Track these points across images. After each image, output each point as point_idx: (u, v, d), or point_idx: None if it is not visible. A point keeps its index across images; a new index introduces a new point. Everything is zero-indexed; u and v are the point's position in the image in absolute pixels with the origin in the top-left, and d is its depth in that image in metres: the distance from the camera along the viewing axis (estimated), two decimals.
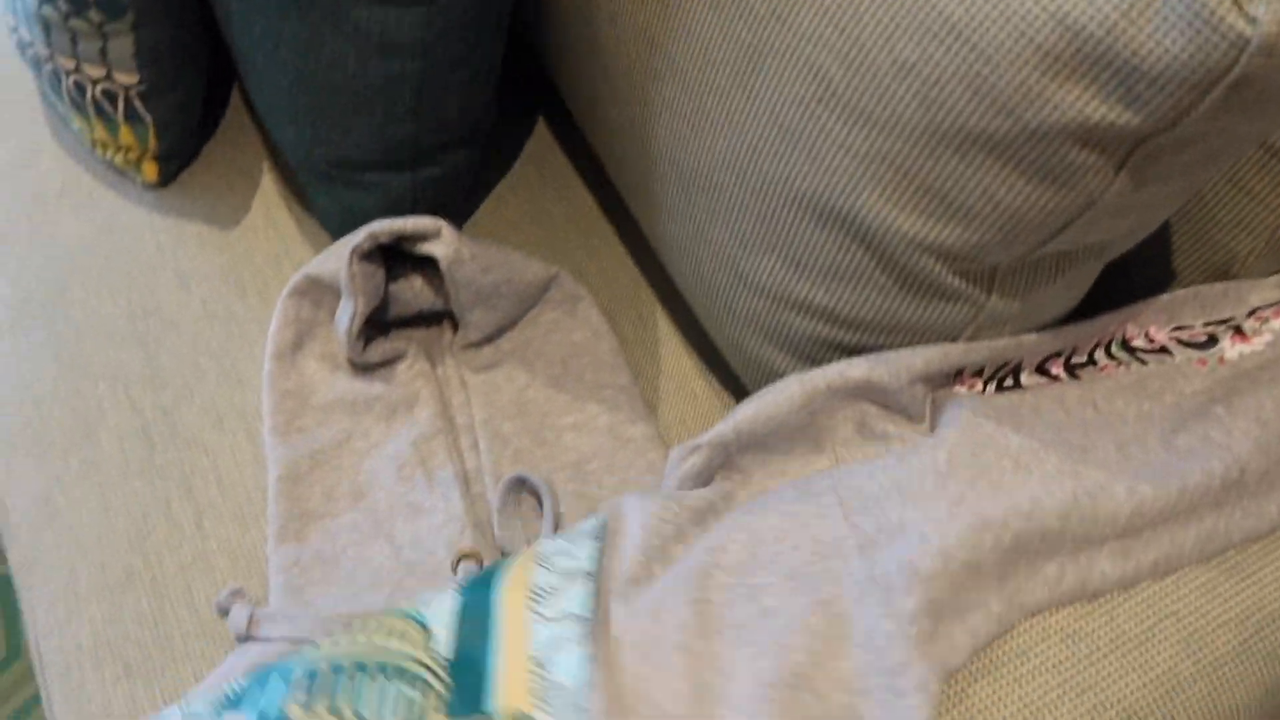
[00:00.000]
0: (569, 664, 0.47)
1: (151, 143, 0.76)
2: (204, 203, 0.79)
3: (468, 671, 0.47)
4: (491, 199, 0.82)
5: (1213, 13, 0.39)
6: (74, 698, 0.61)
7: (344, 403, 0.67)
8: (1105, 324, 0.62)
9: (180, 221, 0.78)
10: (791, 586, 0.50)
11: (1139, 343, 0.63)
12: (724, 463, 0.56)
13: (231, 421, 0.69)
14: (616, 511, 0.54)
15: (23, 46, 0.75)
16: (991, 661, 0.51)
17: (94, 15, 0.68)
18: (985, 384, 0.61)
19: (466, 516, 0.61)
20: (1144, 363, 0.62)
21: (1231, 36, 0.39)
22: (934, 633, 0.48)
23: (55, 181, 0.80)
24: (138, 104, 0.74)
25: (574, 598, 0.50)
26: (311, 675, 0.47)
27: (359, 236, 0.64)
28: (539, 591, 0.50)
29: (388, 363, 0.68)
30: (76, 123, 0.77)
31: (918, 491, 0.53)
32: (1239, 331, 0.62)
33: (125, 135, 0.76)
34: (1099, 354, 0.63)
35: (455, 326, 0.70)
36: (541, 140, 0.86)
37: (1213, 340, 0.62)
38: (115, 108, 0.74)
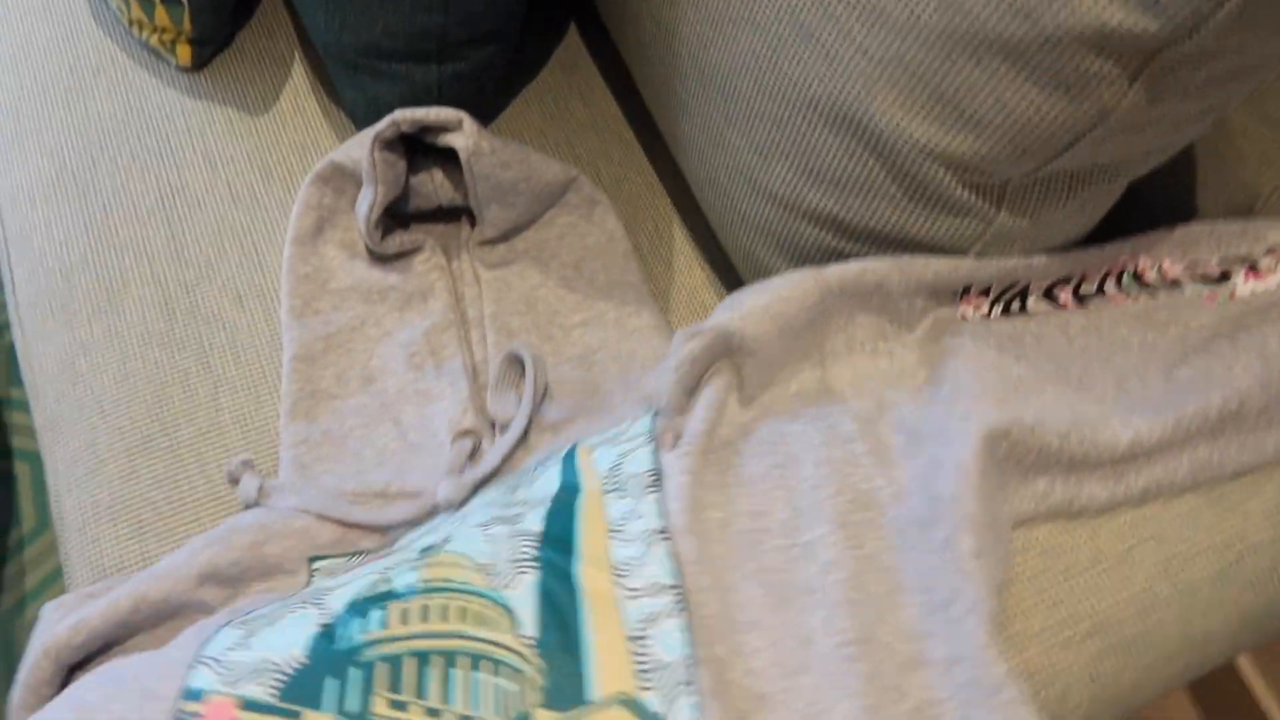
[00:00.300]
0: (667, 639, 0.46)
1: (186, 25, 0.77)
2: (235, 88, 0.80)
3: (562, 659, 0.46)
4: (517, 103, 0.82)
5: None
6: (89, 552, 0.63)
7: (360, 289, 0.68)
8: (1116, 252, 0.61)
9: (211, 105, 0.79)
10: (843, 536, 0.51)
11: (1151, 276, 0.63)
12: (724, 352, 0.56)
13: (250, 301, 0.70)
14: (664, 470, 0.53)
15: None
16: None
17: None
18: (991, 306, 0.61)
19: (470, 402, 0.63)
20: (1154, 296, 0.62)
21: None
22: (978, 550, 0.49)
23: (92, 60, 0.81)
24: None
25: (657, 564, 0.49)
26: (395, 667, 0.45)
27: (382, 124, 0.64)
28: (621, 566, 0.49)
29: (405, 254, 0.70)
30: (114, 2, 0.78)
31: (934, 431, 0.53)
32: (1254, 269, 0.61)
33: (161, 16, 0.77)
34: (1109, 284, 0.62)
35: (473, 224, 0.71)
36: (570, 46, 0.86)
37: (1226, 276, 0.62)
38: None
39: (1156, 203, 0.70)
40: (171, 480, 0.64)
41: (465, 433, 0.61)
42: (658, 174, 0.80)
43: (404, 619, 0.46)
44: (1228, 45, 0.43)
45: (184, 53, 0.79)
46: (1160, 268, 0.62)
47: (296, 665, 0.44)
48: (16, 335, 0.73)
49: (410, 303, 0.68)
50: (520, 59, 0.83)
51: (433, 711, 0.43)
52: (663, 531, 0.50)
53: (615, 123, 0.82)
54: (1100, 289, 0.62)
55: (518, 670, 0.45)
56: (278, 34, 0.83)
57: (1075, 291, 0.61)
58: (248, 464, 0.62)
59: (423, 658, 0.45)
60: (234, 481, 0.62)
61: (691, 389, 0.56)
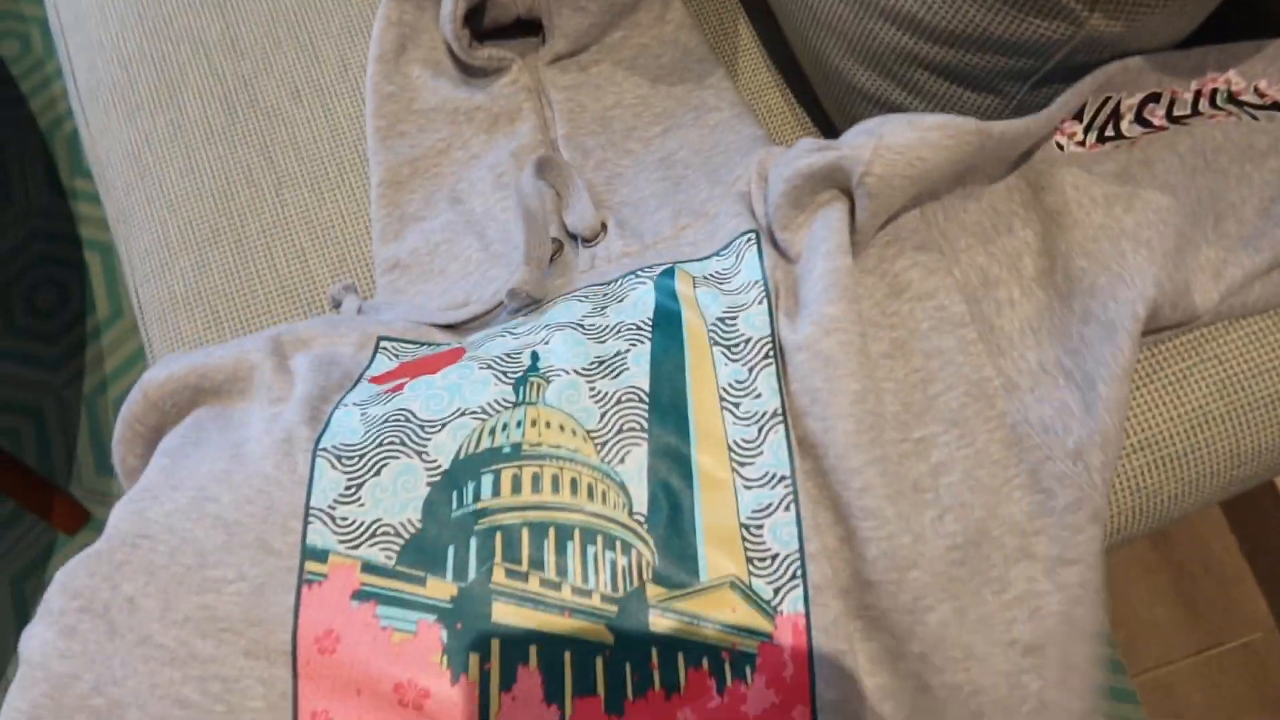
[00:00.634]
0: (779, 531, 0.46)
1: None
2: None
3: (674, 539, 0.46)
4: None
5: None
6: (170, 341, 0.66)
7: (445, 110, 0.67)
8: (1201, 60, 0.58)
9: None
10: (956, 435, 0.50)
11: (1248, 97, 0.59)
12: (842, 182, 0.52)
13: (308, 95, 0.70)
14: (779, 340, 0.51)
15: None
16: None
17: None
18: (1085, 133, 0.58)
19: (555, 216, 0.62)
20: (1254, 118, 0.59)
21: None
22: (1105, 464, 0.48)
23: None
24: None
25: (772, 452, 0.48)
26: (511, 537, 0.45)
27: None
28: (738, 449, 0.48)
29: (490, 74, 0.68)
30: None
31: (1047, 328, 0.52)
32: None
33: None
34: (1203, 104, 0.59)
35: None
36: None
37: None
38: None
39: (1259, 21, 0.65)
40: (242, 273, 0.66)
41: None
42: None
43: (516, 486, 0.47)
44: None
45: None
46: (1257, 88, 0.59)
47: (412, 530, 0.46)
48: (82, 127, 0.74)
49: (497, 124, 0.67)
50: None
51: (549, 582, 0.45)
52: (778, 414, 0.49)
53: None
54: (1195, 109, 0.58)
55: (630, 546, 0.46)
56: None
57: (1169, 112, 0.58)
58: (349, 288, 0.63)
59: (539, 529, 0.46)
60: (336, 305, 0.64)
61: (802, 206, 0.53)
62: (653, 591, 0.45)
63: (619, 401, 0.49)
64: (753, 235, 0.55)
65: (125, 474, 0.56)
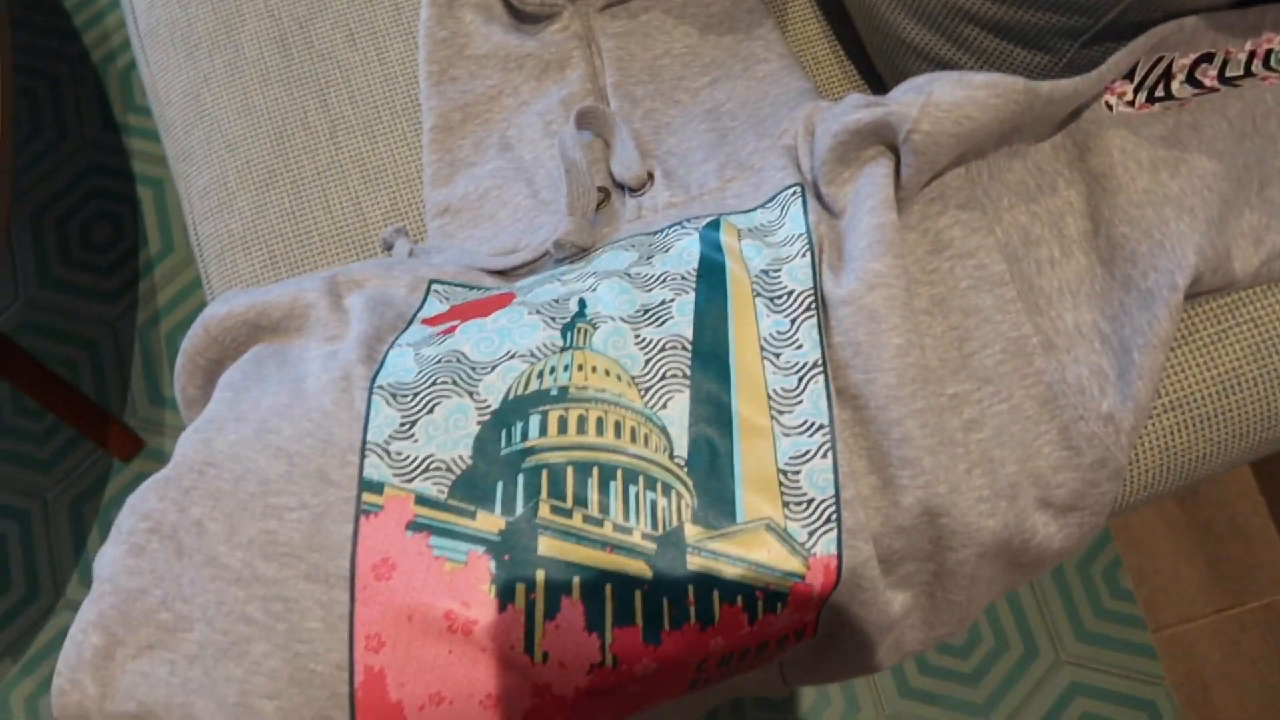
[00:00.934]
0: (816, 477, 0.48)
1: None
2: None
3: (712, 482, 0.48)
4: None
5: None
6: (228, 278, 0.69)
7: (497, 56, 0.68)
8: (1258, 20, 0.57)
9: None
10: (990, 392, 0.51)
11: None
12: (889, 139, 0.53)
13: (362, 39, 0.71)
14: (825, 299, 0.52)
15: None
16: None
17: None
18: (1135, 93, 0.58)
19: (603, 164, 0.63)
20: None
21: None
22: (1135, 429, 0.50)
23: None
24: None
25: (811, 402, 0.49)
26: (557, 475, 0.47)
27: None
28: (777, 399, 0.50)
29: (541, 20, 0.68)
30: None
31: (1086, 290, 0.52)
32: None
33: None
34: (1256, 65, 0.58)
35: None
36: None
37: None
38: None
39: None
40: (297, 215, 0.68)
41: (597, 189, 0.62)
42: None
43: (562, 427, 0.49)
44: None
45: None
46: None
47: (463, 466, 0.48)
48: (142, 65, 0.76)
49: (548, 71, 0.68)
50: None
51: (592, 519, 0.47)
52: (818, 365, 0.50)
53: None
54: (1248, 70, 0.58)
55: (670, 487, 0.48)
56: None
57: (1221, 73, 0.58)
58: (401, 231, 0.65)
59: (583, 468, 0.48)
60: (388, 248, 0.66)
61: (847, 161, 0.54)
62: (691, 531, 0.47)
63: (663, 349, 0.51)
64: (798, 189, 0.56)
65: (186, 404, 0.59)
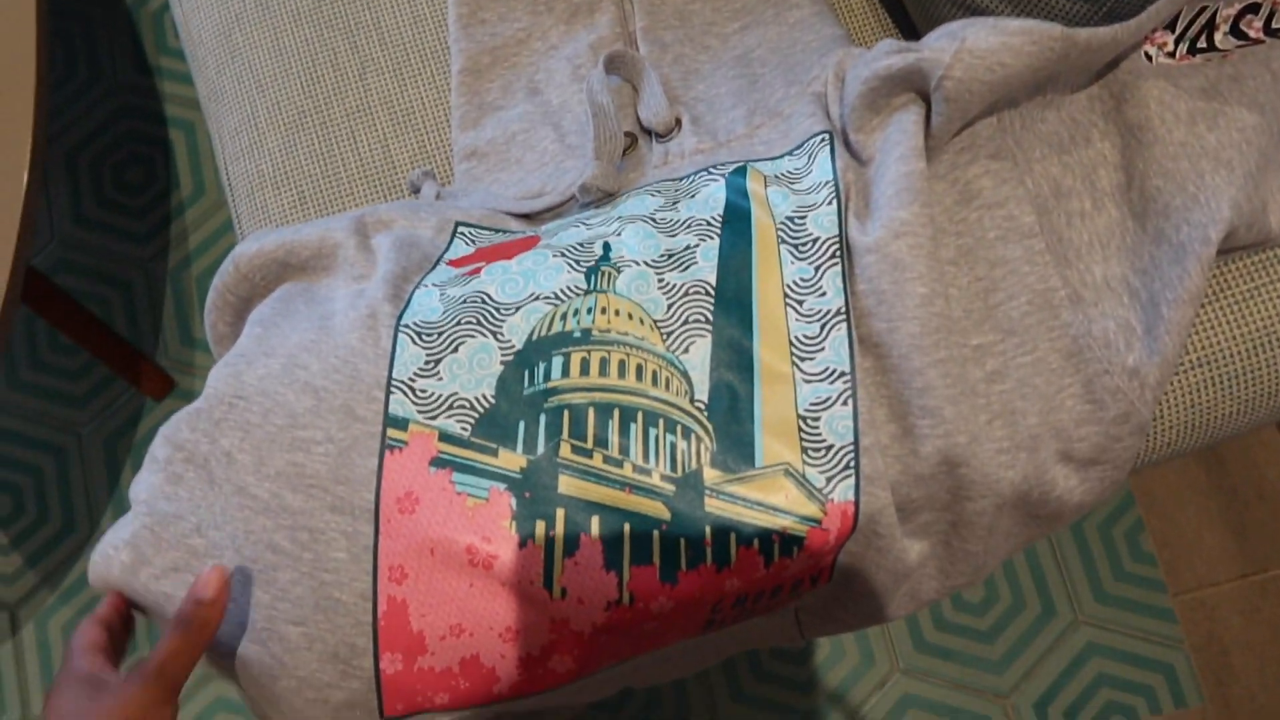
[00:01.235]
0: (836, 424, 0.48)
1: None
2: None
3: (732, 427, 0.48)
4: None
5: None
6: (258, 217, 0.69)
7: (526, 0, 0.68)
8: None
9: None
10: (1014, 343, 0.51)
11: None
12: (920, 85, 0.52)
13: None
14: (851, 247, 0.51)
15: None
16: None
17: None
18: (1176, 43, 0.56)
19: (630, 110, 0.63)
20: None
21: None
22: (1159, 383, 0.49)
23: None
24: None
25: (833, 349, 0.50)
26: (579, 416, 0.48)
27: None
28: (799, 345, 0.50)
29: None
30: None
31: (1117, 244, 0.52)
32: None
33: None
34: None
35: None
36: None
37: None
38: None
39: None
40: (326, 156, 0.68)
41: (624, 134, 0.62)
42: None
43: (584, 369, 0.49)
44: None
45: None
46: None
47: (486, 405, 0.49)
48: (175, 4, 0.76)
49: (576, 15, 0.67)
50: None
51: (612, 460, 0.48)
52: (841, 313, 0.50)
53: None
54: None
55: (690, 431, 0.48)
56: None
57: (1267, 24, 0.56)
58: (428, 174, 0.65)
59: (604, 410, 0.48)
60: (415, 190, 0.66)
61: (877, 109, 0.53)
62: (710, 474, 0.48)
63: (686, 294, 0.51)
64: (826, 136, 0.55)
65: (216, 340, 0.60)
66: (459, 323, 0.51)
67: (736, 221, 0.53)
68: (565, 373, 0.49)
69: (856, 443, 0.48)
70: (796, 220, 0.53)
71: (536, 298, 0.51)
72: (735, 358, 0.50)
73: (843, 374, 0.49)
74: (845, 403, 0.48)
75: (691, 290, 0.51)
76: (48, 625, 1.11)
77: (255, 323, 0.56)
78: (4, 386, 1.17)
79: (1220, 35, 0.56)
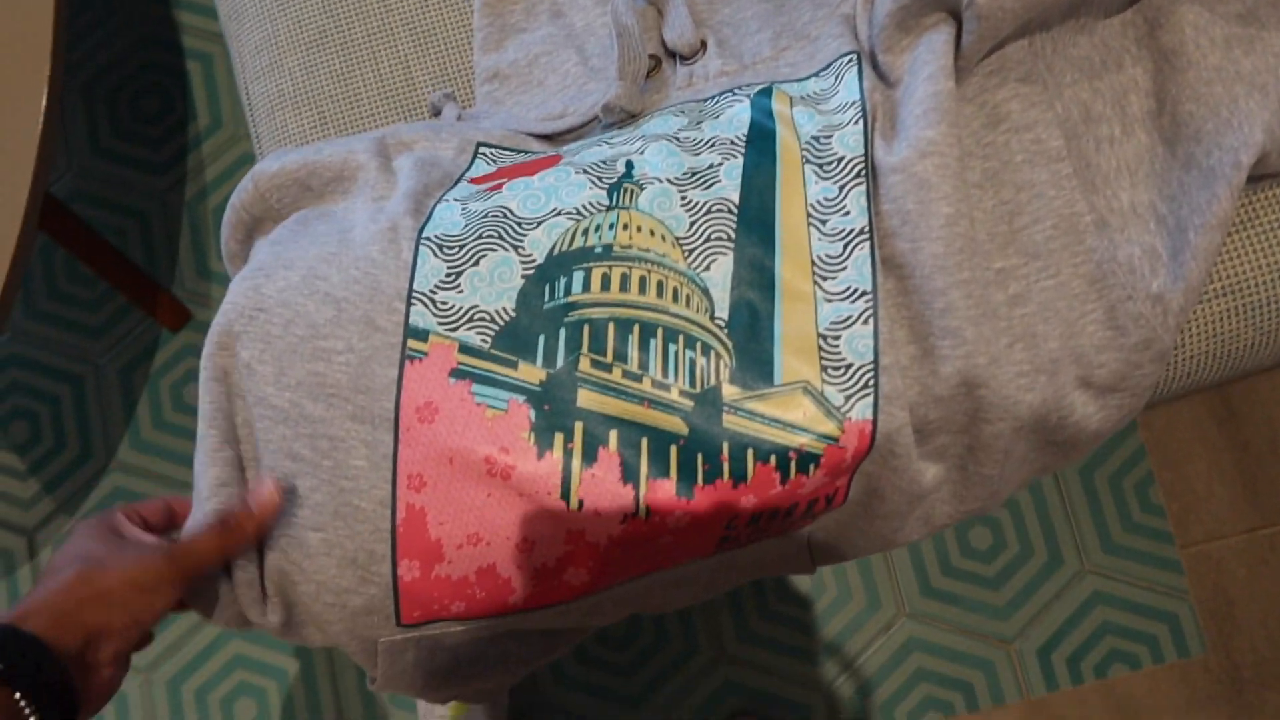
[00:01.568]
0: (856, 343, 0.48)
1: None
2: None
3: (752, 344, 0.48)
4: None
5: None
6: (278, 137, 0.69)
7: None
8: None
9: None
10: (1038, 267, 0.51)
11: None
12: (951, 5, 0.51)
13: None
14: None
15: None
16: None
17: None
18: None
19: (655, 32, 0.62)
20: None
21: None
22: (1182, 309, 0.49)
23: None
24: None
25: (855, 269, 0.49)
26: (599, 331, 0.48)
27: None
28: (821, 264, 0.50)
29: None
30: None
31: (1145, 170, 0.51)
32: None
33: None
34: None
35: None
36: None
37: None
38: None
39: None
40: (346, 76, 0.68)
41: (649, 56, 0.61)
42: None
43: (605, 284, 0.49)
44: None
45: None
46: None
47: (507, 318, 0.49)
48: None
49: None
50: None
51: (631, 374, 0.48)
52: (864, 232, 0.50)
53: None
54: None
55: (710, 348, 0.48)
56: None
57: None
58: (449, 96, 0.65)
59: (624, 325, 0.48)
60: (436, 112, 0.65)
61: (907, 29, 0.52)
62: (728, 391, 0.48)
63: (709, 211, 0.51)
64: (854, 57, 0.55)
65: (228, 257, 0.60)
66: (480, 236, 0.51)
67: (761, 141, 0.52)
68: (586, 288, 0.49)
69: (876, 361, 0.48)
70: (822, 140, 0.52)
71: (558, 213, 0.51)
72: (756, 276, 0.50)
73: (864, 293, 0.49)
74: (866, 321, 0.48)
75: (714, 208, 0.51)
76: None
77: (272, 241, 0.56)
78: (23, 316, 1.17)
79: None
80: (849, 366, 0.48)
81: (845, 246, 0.50)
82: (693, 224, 0.51)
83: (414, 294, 0.50)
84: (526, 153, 0.60)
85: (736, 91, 0.57)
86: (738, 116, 0.54)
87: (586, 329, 0.49)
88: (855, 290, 0.49)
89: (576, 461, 0.47)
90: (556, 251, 0.50)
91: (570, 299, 0.49)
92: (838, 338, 0.49)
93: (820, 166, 0.52)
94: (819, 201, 0.51)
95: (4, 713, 0.39)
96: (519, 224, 0.51)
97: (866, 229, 0.50)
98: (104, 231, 1.18)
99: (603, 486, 0.47)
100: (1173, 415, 1.11)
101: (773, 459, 0.47)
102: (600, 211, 0.51)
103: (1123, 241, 0.51)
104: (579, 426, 0.48)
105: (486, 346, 0.49)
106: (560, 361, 0.48)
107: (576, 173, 0.53)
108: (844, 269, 0.50)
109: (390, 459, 0.49)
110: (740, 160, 0.52)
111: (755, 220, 0.50)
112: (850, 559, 0.60)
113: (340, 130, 0.67)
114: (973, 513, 0.55)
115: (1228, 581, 1.09)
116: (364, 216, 0.54)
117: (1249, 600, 1.08)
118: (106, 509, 0.50)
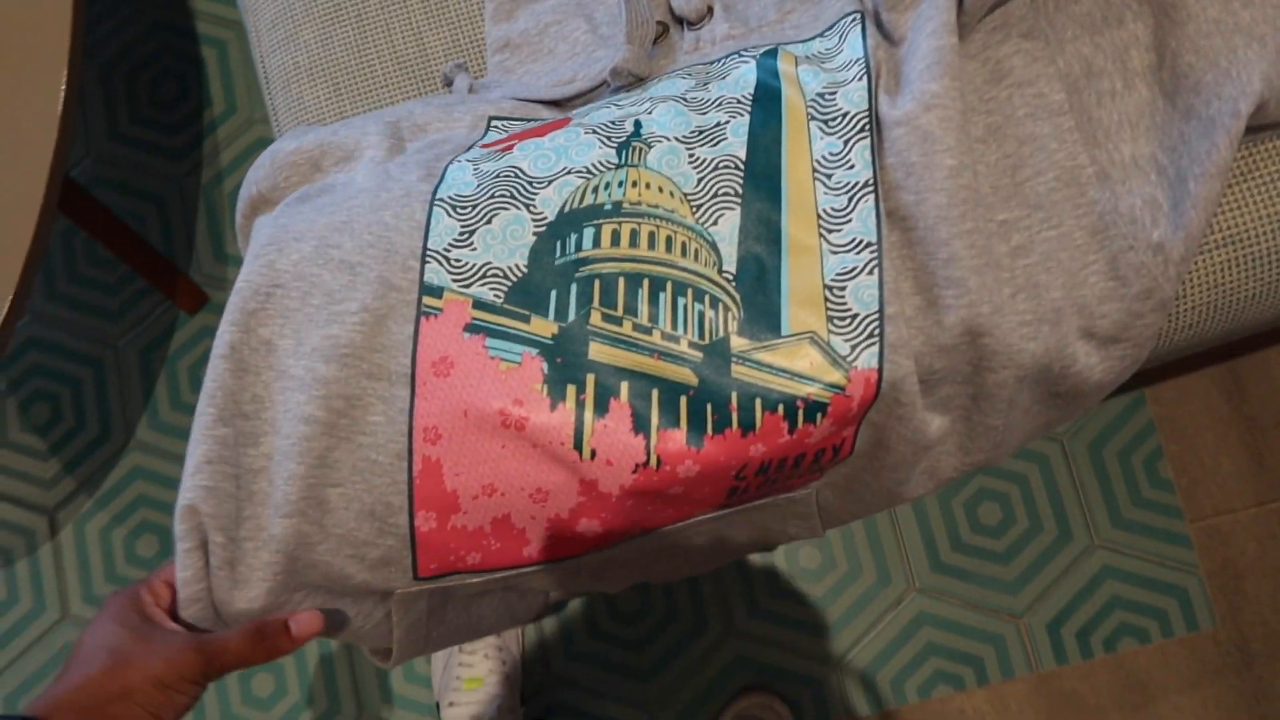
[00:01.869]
0: (861, 293, 0.49)
1: None
2: None
3: (759, 297, 0.49)
4: None
5: None
6: (294, 110, 0.70)
7: None
8: None
9: None
10: (1040, 218, 0.52)
11: None
12: None
13: None
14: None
15: None
16: None
17: None
18: None
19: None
20: None
21: None
22: (1183, 259, 0.50)
23: None
24: None
25: (860, 221, 0.50)
26: (609, 285, 0.49)
27: None
28: (826, 217, 0.51)
29: None
30: None
31: (1146, 123, 0.52)
32: None
33: None
34: None
35: None
36: None
37: None
38: None
39: None
40: (361, 48, 0.69)
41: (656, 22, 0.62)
42: None
43: (615, 240, 0.50)
44: None
45: None
46: None
47: (519, 274, 0.50)
48: None
49: None
50: None
51: (641, 327, 0.49)
52: (869, 185, 0.51)
53: None
54: None
55: (718, 300, 0.49)
56: None
57: None
58: (461, 67, 0.66)
59: (634, 279, 0.49)
60: (448, 83, 0.66)
61: None
62: (736, 342, 0.49)
63: (716, 168, 0.52)
64: (857, 16, 0.55)
65: (242, 233, 0.61)
66: (492, 195, 0.52)
67: (767, 100, 0.53)
68: (596, 243, 0.51)
69: (881, 311, 0.49)
70: (826, 96, 0.53)
71: (568, 171, 0.52)
72: (763, 230, 0.51)
73: (869, 244, 0.50)
74: (871, 272, 0.49)
75: (721, 165, 0.52)
76: (85, 529, 1.14)
77: (275, 218, 0.57)
78: (43, 299, 1.19)
79: None
80: (854, 316, 0.49)
81: (850, 199, 0.51)
82: (700, 180, 0.52)
83: (428, 252, 0.51)
84: (538, 120, 0.61)
85: (743, 53, 0.58)
86: (744, 77, 0.55)
87: (597, 284, 0.50)
88: (860, 242, 0.50)
89: (588, 413, 0.48)
90: (567, 209, 0.51)
91: (581, 255, 0.50)
92: (843, 289, 0.49)
93: (825, 122, 0.53)
94: (824, 156, 0.52)
95: None
96: (530, 183, 0.52)
97: (871, 182, 0.51)
98: (123, 216, 1.20)
99: (614, 437, 0.48)
100: (1181, 390, 1.12)
101: (780, 408, 0.48)
102: (609, 169, 0.52)
103: (1124, 193, 0.51)
104: (591, 378, 0.49)
105: (500, 301, 0.50)
106: (572, 315, 0.49)
107: (586, 133, 0.54)
108: (849, 221, 0.51)
109: (407, 413, 0.50)
110: (746, 119, 0.53)
111: (762, 176, 0.51)
112: (858, 517, 0.61)
113: (355, 101, 0.68)
114: (978, 464, 0.56)
115: (1236, 555, 1.09)
116: (372, 184, 0.55)
117: (1258, 574, 1.09)
118: (133, 585, 0.51)
